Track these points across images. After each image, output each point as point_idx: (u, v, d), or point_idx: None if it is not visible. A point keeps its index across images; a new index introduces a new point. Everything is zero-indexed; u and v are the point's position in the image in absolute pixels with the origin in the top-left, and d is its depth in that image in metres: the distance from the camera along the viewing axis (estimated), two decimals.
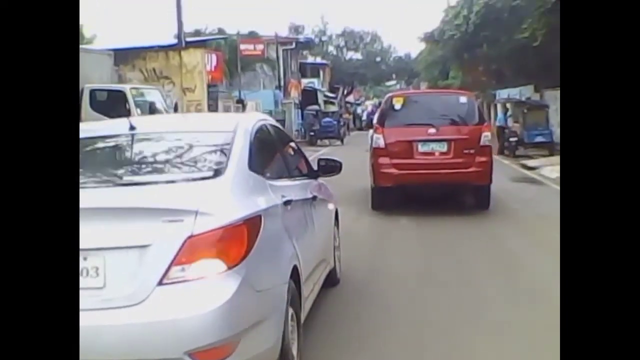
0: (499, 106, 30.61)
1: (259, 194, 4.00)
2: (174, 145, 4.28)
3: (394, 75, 75.87)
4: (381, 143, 11.31)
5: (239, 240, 3.50)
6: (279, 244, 4.09)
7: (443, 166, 11.06)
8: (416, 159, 11.13)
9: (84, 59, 17.05)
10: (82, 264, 3.31)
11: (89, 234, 3.23)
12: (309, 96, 43.64)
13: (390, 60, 75.11)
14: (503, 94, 32.96)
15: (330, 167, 5.95)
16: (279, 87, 39.32)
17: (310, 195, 5.40)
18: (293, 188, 4.89)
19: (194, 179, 3.84)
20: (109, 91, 17.07)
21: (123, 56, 21.47)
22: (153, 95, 18.02)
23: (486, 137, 11.34)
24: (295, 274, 4.23)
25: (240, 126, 4.40)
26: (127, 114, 15.56)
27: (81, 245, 3.08)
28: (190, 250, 3.34)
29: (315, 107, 40.64)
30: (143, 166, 4.16)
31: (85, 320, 3.07)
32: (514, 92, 30.24)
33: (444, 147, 11.19)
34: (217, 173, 3.85)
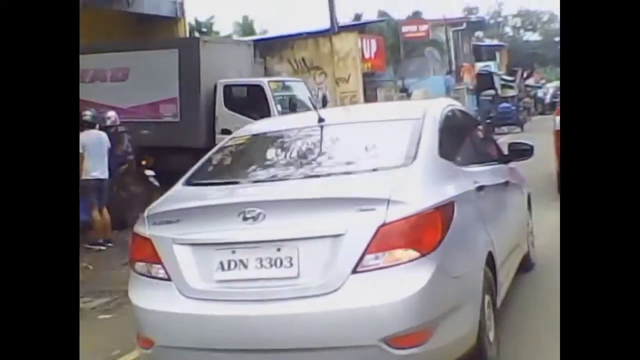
0: None
1: (450, 181, 3.96)
2: (363, 135, 4.38)
3: None
4: None
5: (432, 227, 3.46)
6: (473, 230, 4.01)
7: None
8: None
9: (214, 51, 15.35)
10: (276, 254, 3.45)
11: (282, 225, 3.46)
12: (484, 80, 39.47)
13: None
14: None
15: (521, 151, 5.81)
16: (450, 71, 36.08)
17: (502, 180, 5.32)
18: (485, 173, 4.83)
19: (385, 168, 3.82)
20: (247, 86, 15.00)
21: (268, 47, 19.61)
22: (297, 88, 15.82)
23: None
24: (490, 260, 4.13)
25: (428, 113, 4.40)
26: (267, 112, 13.61)
27: (274, 237, 3.46)
28: (383, 239, 3.34)
29: (491, 91, 37.85)
30: (333, 157, 4.20)
31: (281, 309, 3.38)
32: None
33: None
34: (408, 161, 3.82)
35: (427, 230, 3.43)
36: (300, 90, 15.72)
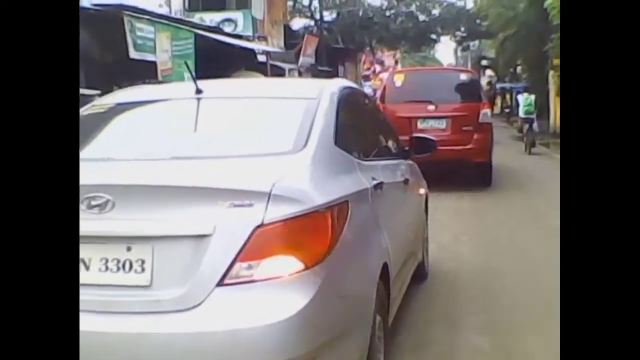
0: None
1: (346, 175, 3.40)
2: (247, 114, 3.74)
3: (439, 30, 46.54)
4: None
5: (321, 232, 2.86)
6: (368, 236, 3.46)
7: (441, 143, 11.12)
8: None
9: None
10: (125, 255, 2.78)
11: (134, 218, 2.77)
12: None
13: (435, 10, 45.26)
14: None
15: (425, 146, 5.34)
16: None
17: (401, 178, 4.81)
18: (384, 169, 4.28)
19: (269, 154, 3.17)
20: None
21: None
22: None
23: (485, 114, 11.65)
24: (384, 273, 3.59)
25: (325, 93, 3.77)
26: None
27: (124, 232, 2.78)
28: (259, 243, 2.71)
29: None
30: (208, 137, 3.56)
31: (126, 326, 2.70)
32: None
33: (442, 124, 11.54)
34: (297, 147, 3.19)
35: (315, 235, 2.85)
36: None
